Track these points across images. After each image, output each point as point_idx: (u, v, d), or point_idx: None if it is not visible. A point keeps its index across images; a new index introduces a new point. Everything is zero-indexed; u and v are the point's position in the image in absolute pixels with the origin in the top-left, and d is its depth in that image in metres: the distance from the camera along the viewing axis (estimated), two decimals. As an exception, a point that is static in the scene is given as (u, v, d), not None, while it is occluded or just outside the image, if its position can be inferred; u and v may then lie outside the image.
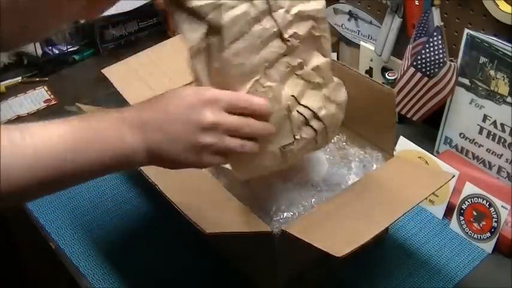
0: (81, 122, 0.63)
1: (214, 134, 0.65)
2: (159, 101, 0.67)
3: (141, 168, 0.83)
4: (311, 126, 0.77)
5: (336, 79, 0.79)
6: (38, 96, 1.33)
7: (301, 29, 0.73)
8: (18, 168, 0.57)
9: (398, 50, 1.18)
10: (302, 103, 0.75)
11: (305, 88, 0.76)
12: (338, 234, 0.75)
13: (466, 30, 1.02)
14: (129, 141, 0.64)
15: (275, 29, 0.71)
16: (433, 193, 0.96)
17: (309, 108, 0.76)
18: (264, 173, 0.80)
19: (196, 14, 0.68)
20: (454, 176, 0.94)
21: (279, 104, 0.73)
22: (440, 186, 0.83)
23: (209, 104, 0.65)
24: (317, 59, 0.76)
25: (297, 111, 0.75)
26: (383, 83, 1.00)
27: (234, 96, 0.68)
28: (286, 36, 0.72)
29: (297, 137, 0.76)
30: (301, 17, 0.73)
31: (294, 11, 0.72)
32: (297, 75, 0.75)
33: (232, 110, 0.67)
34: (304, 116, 0.76)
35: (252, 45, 0.70)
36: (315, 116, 0.77)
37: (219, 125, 0.65)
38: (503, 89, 1.00)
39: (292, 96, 0.74)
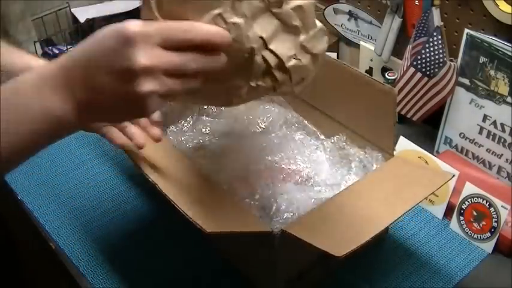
0: None
1: (152, 79, 0.53)
2: (79, 48, 0.55)
3: (141, 167, 0.83)
4: (272, 76, 0.64)
5: (319, 25, 0.65)
6: (38, 96, 1.33)
7: None
8: None
9: (398, 50, 1.18)
10: (270, 47, 0.62)
11: (278, 30, 0.62)
12: (338, 234, 0.75)
13: (466, 30, 1.02)
14: (55, 107, 0.55)
15: None
16: (433, 193, 0.96)
17: (276, 56, 0.62)
18: (205, 105, 0.69)
19: None
20: (454, 176, 0.94)
21: (241, 46, 0.59)
22: (440, 186, 0.83)
23: (137, 44, 0.52)
24: None
25: (262, 56, 0.62)
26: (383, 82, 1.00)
27: (169, 27, 0.54)
28: None
29: (252, 84, 0.64)
30: None
31: None
32: (272, 12, 0.61)
33: (170, 45, 0.54)
34: (268, 64, 0.63)
35: None
36: (281, 65, 0.63)
37: (155, 67, 0.52)
38: (503, 89, 1.00)
39: (261, 38, 0.61)
